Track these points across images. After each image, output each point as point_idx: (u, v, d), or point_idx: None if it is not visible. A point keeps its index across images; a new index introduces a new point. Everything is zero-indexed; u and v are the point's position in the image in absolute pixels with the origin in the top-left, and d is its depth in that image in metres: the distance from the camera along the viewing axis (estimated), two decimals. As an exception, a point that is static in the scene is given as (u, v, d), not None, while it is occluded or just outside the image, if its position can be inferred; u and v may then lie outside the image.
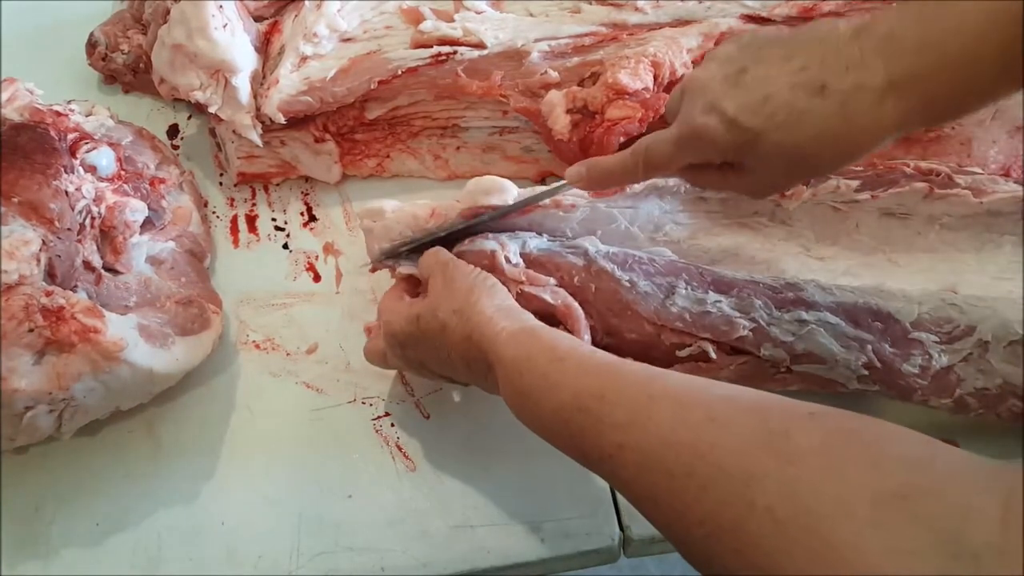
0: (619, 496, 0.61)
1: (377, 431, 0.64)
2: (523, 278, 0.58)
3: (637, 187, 0.62)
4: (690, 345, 0.59)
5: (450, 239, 0.61)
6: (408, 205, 0.61)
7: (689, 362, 0.59)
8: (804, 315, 0.59)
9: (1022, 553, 0.29)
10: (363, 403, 0.65)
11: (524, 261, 0.59)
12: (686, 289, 0.59)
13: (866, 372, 0.59)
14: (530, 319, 0.52)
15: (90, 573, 0.58)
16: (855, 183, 0.64)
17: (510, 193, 0.60)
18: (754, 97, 0.47)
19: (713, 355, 0.59)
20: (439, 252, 0.58)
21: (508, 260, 0.58)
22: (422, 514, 0.60)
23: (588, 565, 0.61)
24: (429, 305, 0.54)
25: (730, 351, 0.60)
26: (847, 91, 0.45)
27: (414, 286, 0.60)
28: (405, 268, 0.61)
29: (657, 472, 0.40)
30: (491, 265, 0.58)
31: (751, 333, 0.59)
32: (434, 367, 0.56)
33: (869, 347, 0.59)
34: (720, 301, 0.59)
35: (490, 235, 0.60)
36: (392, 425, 0.64)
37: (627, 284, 0.59)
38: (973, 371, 0.59)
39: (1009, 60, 0.43)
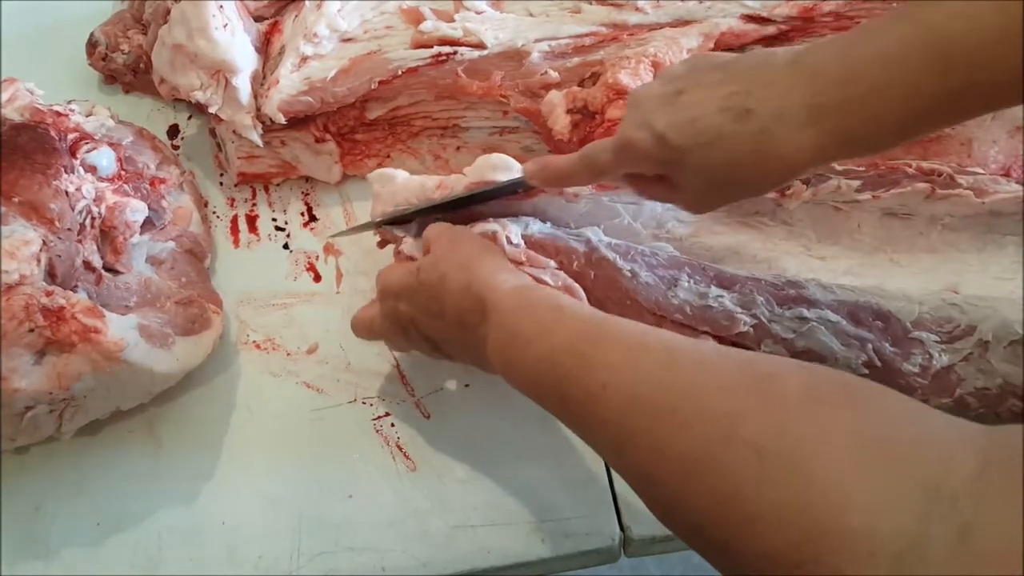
0: (620, 496, 0.61)
1: (377, 431, 0.64)
2: (523, 258, 0.58)
3: None
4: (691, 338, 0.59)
5: (451, 214, 0.62)
6: (418, 176, 0.63)
7: None
8: (805, 312, 0.59)
9: (998, 502, 0.30)
10: (363, 403, 0.65)
11: (525, 243, 0.60)
12: (688, 282, 0.59)
13: (866, 371, 0.59)
14: (531, 280, 0.54)
15: (90, 573, 0.58)
16: (856, 183, 0.64)
17: (516, 171, 0.61)
18: (683, 117, 0.49)
19: None
20: (444, 223, 0.59)
21: (509, 240, 0.59)
22: (422, 514, 0.60)
23: (588, 565, 0.61)
24: (431, 259, 0.55)
25: (731, 346, 0.59)
26: (768, 117, 0.46)
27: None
28: (408, 246, 0.62)
29: (640, 412, 0.40)
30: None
31: (752, 329, 0.59)
32: (423, 325, 0.56)
33: (869, 346, 0.59)
34: (722, 296, 0.59)
35: (492, 219, 0.61)
36: (392, 425, 0.64)
37: (628, 273, 0.59)
38: (973, 371, 0.59)
39: (923, 96, 0.43)
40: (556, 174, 0.57)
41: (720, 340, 0.59)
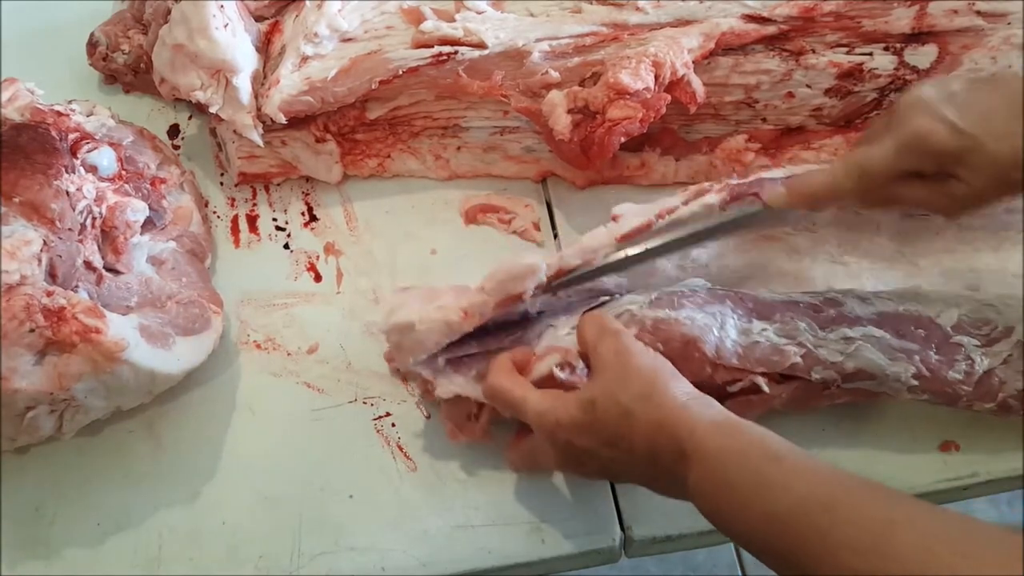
0: (620, 496, 0.61)
1: (378, 431, 0.64)
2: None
3: (662, 222, 0.59)
4: (741, 380, 0.57)
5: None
6: (435, 311, 0.57)
7: (740, 396, 0.57)
8: (849, 332, 0.58)
9: None
10: (364, 403, 0.65)
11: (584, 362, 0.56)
12: (733, 318, 0.57)
13: (915, 383, 0.58)
14: (726, 411, 0.50)
15: (90, 573, 0.58)
16: None
17: (541, 270, 0.56)
18: (974, 110, 0.53)
19: (766, 388, 0.57)
20: (603, 320, 0.55)
21: (573, 368, 0.56)
22: (423, 514, 0.60)
23: (589, 565, 0.61)
24: (605, 389, 0.51)
25: (780, 379, 0.58)
26: None
27: (523, 362, 0.57)
28: (444, 391, 0.58)
29: None
30: (552, 384, 0.55)
31: (801, 360, 0.57)
32: (605, 458, 0.51)
33: (916, 357, 0.58)
34: (766, 329, 0.58)
35: (550, 350, 0.57)
36: (393, 425, 0.64)
37: (687, 321, 0.56)
38: (1013, 373, 0.58)
39: None
40: (813, 191, 0.57)
41: (771, 377, 0.57)
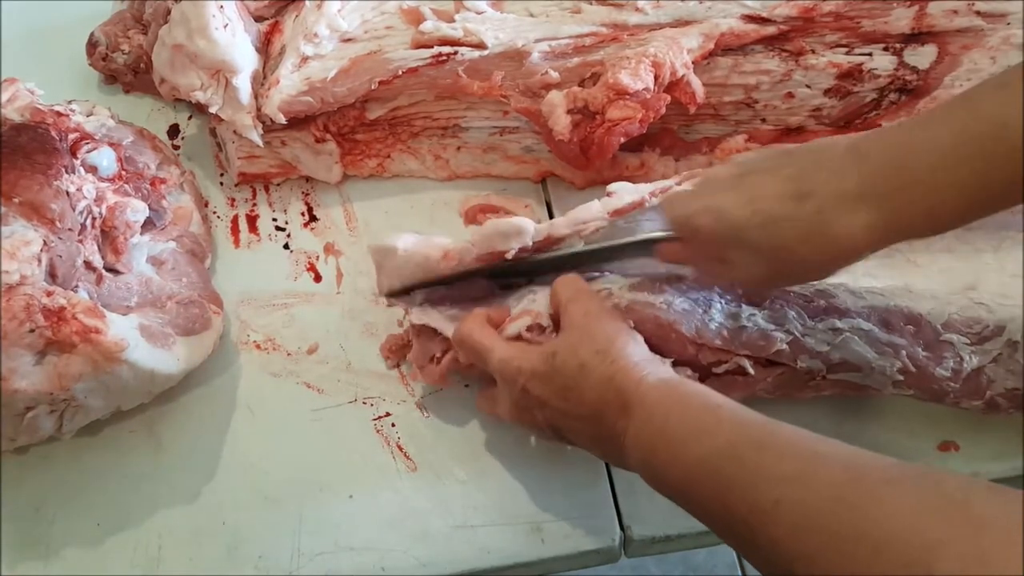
0: (620, 496, 0.61)
1: (378, 431, 0.64)
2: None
3: (654, 200, 0.60)
4: (726, 362, 0.58)
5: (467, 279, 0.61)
6: (422, 244, 0.60)
7: (726, 377, 0.58)
8: (838, 323, 0.58)
9: None
10: (364, 403, 0.65)
11: (554, 323, 0.57)
12: (720, 302, 0.58)
13: (901, 377, 0.58)
14: (674, 372, 0.52)
15: (90, 573, 0.58)
16: None
17: (528, 234, 0.58)
18: (743, 197, 0.50)
19: (751, 370, 0.58)
20: (579, 282, 0.57)
21: (541, 328, 0.57)
22: (423, 514, 0.60)
23: (588, 565, 0.61)
24: (567, 343, 0.53)
25: (766, 363, 0.59)
26: (824, 200, 0.48)
27: (498, 319, 0.59)
28: (417, 317, 0.60)
29: (820, 532, 0.39)
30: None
31: (788, 347, 0.58)
32: (551, 411, 0.53)
33: (903, 352, 0.58)
34: (754, 314, 0.58)
35: (520, 312, 0.58)
36: (393, 425, 0.64)
37: (663, 306, 0.57)
38: (1003, 372, 0.58)
39: (974, 190, 0.45)
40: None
41: (756, 361, 0.58)
